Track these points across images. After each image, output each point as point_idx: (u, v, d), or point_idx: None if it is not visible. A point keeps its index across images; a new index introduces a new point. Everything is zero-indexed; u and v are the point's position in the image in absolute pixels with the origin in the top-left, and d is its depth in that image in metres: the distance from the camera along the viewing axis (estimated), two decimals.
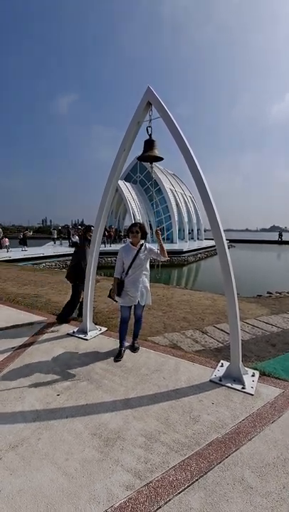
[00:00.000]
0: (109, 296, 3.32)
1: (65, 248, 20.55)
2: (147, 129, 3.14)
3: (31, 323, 4.36)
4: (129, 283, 3.17)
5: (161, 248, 3.09)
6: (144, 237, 3.23)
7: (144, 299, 3.25)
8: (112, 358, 3.21)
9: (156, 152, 3.18)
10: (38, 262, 15.79)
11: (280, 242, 39.56)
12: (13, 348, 3.49)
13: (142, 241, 3.24)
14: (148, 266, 3.30)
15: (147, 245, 3.23)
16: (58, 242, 24.65)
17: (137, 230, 3.15)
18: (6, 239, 18.16)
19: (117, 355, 3.24)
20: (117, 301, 3.30)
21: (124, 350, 3.37)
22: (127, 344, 3.50)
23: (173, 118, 2.88)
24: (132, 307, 3.32)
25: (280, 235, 41.42)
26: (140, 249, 3.17)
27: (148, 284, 3.29)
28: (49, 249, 20.47)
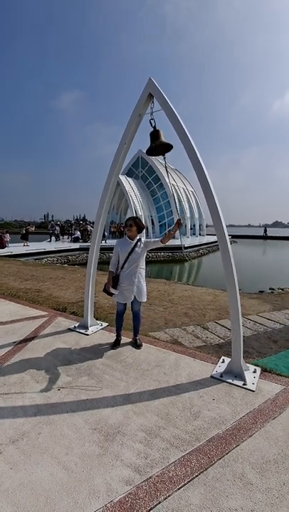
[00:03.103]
0: (104, 290, 3.30)
1: (65, 244, 20.55)
2: (150, 122, 3.05)
3: (32, 318, 4.37)
4: (125, 277, 3.16)
5: (168, 235, 3.04)
6: (140, 231, 3.21)
7: (140, 295, 3.23)
8: (113, 353, 3.22)
9: (164, 140, 3.03)
10: (39, 257, 15.78)
11: (265, 237, 44.66)
12: (14, 342, 3.50)
13: (139, 235, 3.23)
14: (144, 261, 3.29)
15: (143, 239, 3.24)
16: (57, 238, 24.15)
17: (131, 224, 3.14)
18: (7, 234, 18.09)
19: (114, 344, 3.38)
20: (112, 294, 3.27)
21: (121, 339, 3.46)
22: (129, 340, 3.52)
23: (175, 110, 2.82)
24: (129, 302, 3.33)
25: (265, 231, 46.90)
26: (137, 243, 3.16)
27: (144, 280, 3.29)
28: (50, 244, 20.47)
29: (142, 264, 3.25)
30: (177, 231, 2.99)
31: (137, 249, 3.15)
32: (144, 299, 3.29)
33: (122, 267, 3.16)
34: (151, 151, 3.14)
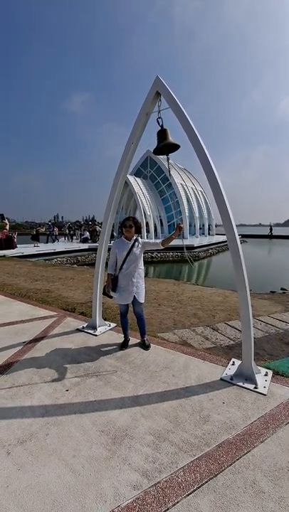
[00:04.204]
0: (104, 292, 3.30)
1: (74, 244, 20.74)
2: (158, 121, 3.02)
3: (42, 318, 4.40)
4: (123, 278, 3.14)
5: (168, 238, 3.03)
6: (138, 231, 3.18)
7: (139, 295, 3.20)
8: (121, 354, 3.20)
9: (172, 139, 3.00)
10: (49, 257, 15.98)
11: (271, 237, 44.30)
12: (23, 342, 3.53)
13: (136, 235, 3.20)
14: (142, 261, 3.27)
15: (140, 239, 3.21)
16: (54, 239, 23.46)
17: (131, 224, 3.12)
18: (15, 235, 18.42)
19: (122, 345, 3.37)
20: (112, 297, 3.26)
21: (129, 340, 3.45)
22: (137, 341, 3.49)
23: (182, 108, 2.78)
24: (130, 304, 3.30)
25: (271, 230, 46.32)
26: (134, 243, 3.14)
27: (143, 280, 3.27)
28: (60, 245, 20.71)
29: (141, 264, 3.23)
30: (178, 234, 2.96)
31: (134, 249, 3.12)
32: (143, 300, 3.27)
33: (121, 268, 3.14)
34: (158, 151, 3.10)
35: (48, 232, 23.10)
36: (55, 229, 24.64)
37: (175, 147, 3.06)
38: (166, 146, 3.03)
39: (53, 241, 22.56)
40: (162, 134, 3.04)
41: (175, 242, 3.15)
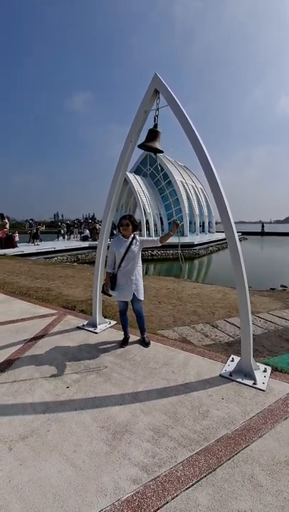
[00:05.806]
0: (103, 291, 3.32)
1: (74, 242, 20.75)
2: (155, 118, 3.03)
3: (42, 316, 4.43)
4: (122, 276, 3.16)
5: (166, 235, 3.06)
6: (135, 229, 3.19)
7: (138, 293, 3.22)
8: (121, 351, 3.23)
9: (157, 145, 3.06)
10: (49, 256, 16.00)
11: (262, 234, 45.32)
12: (24, 340, 3.55)
13: (133, 233, 3.22)
14: (140, 259, 3.28)
15: (138, 237, 3.22)
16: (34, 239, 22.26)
17: (128, 223, 3.13)
18: (17, 234, 18.45)
19: (122, 342, 3.40)
20: (111, 296, 3.28)
21: (129, 338, 3.48)
22: (137, 338, 3.51)
23: (181, 105, 2.77)
24: (129, 302, 3.32)
25: (262, 227, 47.72)
26: (132, 241, 3.15)
27: (141, 277, 3.28)
28: (60, 243, 20.72)
29: (139, 261, 3.25)
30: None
31: (133, 247, 3.14)
32: (142, 297, 3.28)
33: (119, 266, 3.15)
34: (142, 147, 3.13)
35: (29, 231, 21.76)
36: (42, 227, 24.31)
37: (158, 151, 3.14)
38: (151, 148, 3.09)
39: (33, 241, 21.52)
40: (153, 134, 3.08)
41: (174, 240, 3.17)
